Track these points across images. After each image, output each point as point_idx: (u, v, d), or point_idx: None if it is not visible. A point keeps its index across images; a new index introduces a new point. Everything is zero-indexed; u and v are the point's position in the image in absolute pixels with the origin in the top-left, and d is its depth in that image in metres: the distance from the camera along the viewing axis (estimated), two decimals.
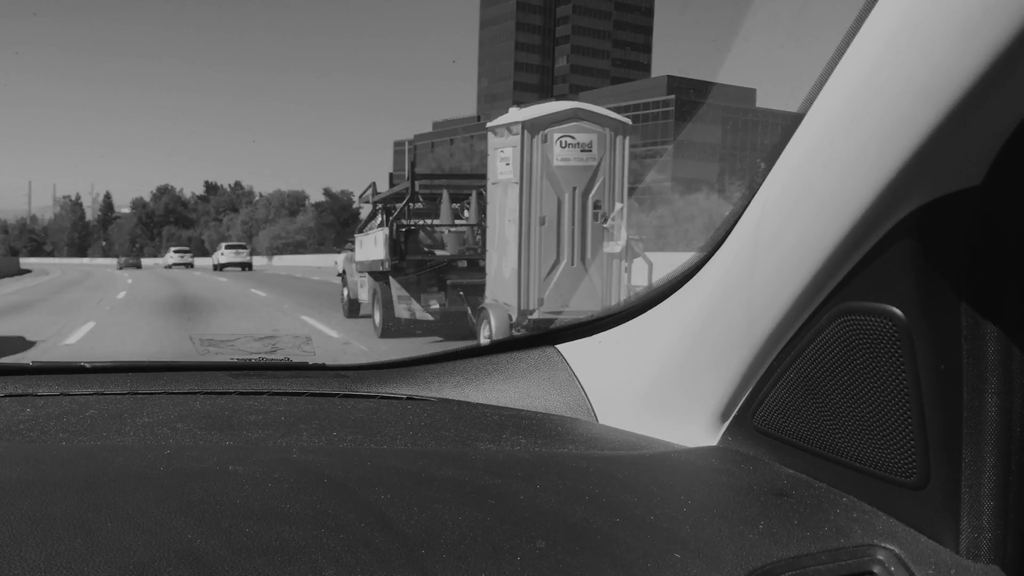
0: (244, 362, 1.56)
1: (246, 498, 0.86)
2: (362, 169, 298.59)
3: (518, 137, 10.08)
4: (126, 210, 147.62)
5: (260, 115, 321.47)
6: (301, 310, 18.74)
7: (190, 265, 66.78)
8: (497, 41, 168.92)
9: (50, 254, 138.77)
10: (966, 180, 0.76)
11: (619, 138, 10.34)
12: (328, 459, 1.00)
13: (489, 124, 11.07)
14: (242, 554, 0.75)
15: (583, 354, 1.38)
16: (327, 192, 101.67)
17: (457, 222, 13.58)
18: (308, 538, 0.78)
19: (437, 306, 12.93)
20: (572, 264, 10.18)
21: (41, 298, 24.85)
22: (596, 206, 10.15)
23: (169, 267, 65.32)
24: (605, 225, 10.03)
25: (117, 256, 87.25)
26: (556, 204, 10.12)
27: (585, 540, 0.82)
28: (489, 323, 10.50)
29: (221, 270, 53.04)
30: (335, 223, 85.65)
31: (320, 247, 79.43)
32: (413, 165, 14.39)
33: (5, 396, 1.32)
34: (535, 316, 10.12)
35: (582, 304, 10.00)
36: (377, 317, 13.90)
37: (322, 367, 1.56)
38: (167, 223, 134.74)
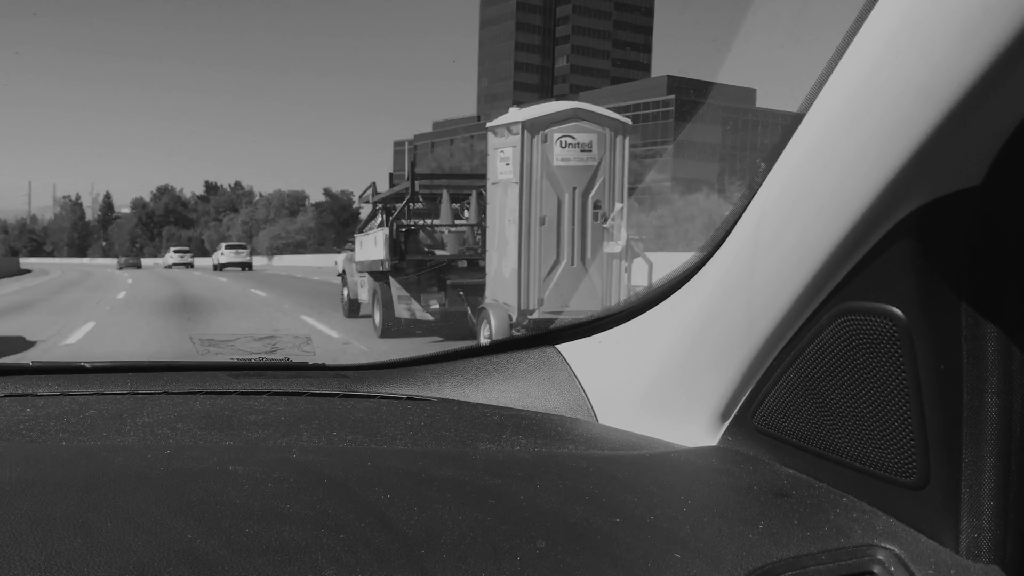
0: (244, 362, 1.56)
1: (246, 498, 0.86)
2: (362, 169, 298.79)
3: (518, 137, 10.08)
4: (126, 210, 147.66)
5: (260, 115, 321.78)
6: (301, 310, 18.68)
7: (190, 265, 66.82)
8: (497, 41, 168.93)
9: (50, 254, 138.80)
10: (966, 180, 0.76)
11: (619, 138, 10.34)
12: (328, 459, 1.00)
13: (489, 124, 11.07)
14: (242, 554, 0.75)
15: (583, 354, 1.38)
16: (327, 192, 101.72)
17: (457, 222, 13.58)
18: (308, 538, 0.78)
19: (437, 306, 12.93)
20: (572, 264, 10.18)
21: (41, 298, 24.80)
22: (596, 206, 10.15)
23: (169, 267, 65.35)
24: (605, 225, 10.03)
25: (117, 256, 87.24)
26: (556, 204, 10.12)
27: (585, 540, 0.82)
28: (489, 323, 10.51)
29: (221, 270, 53.07)
30: (335, 223, 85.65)
31: (320, 247, 79.42)
32: (413, 165, 14.39)
33: (5, 396, 1.32)
34: (535, 316, 10.12)
35: (582, 304, 10.00)
36: (377, 317, 13.90)
37: (322, 367, 1.56)
38: (167, 223, 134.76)
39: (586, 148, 10.13)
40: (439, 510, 0.85)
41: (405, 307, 13.17)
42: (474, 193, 13.33)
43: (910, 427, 0.84)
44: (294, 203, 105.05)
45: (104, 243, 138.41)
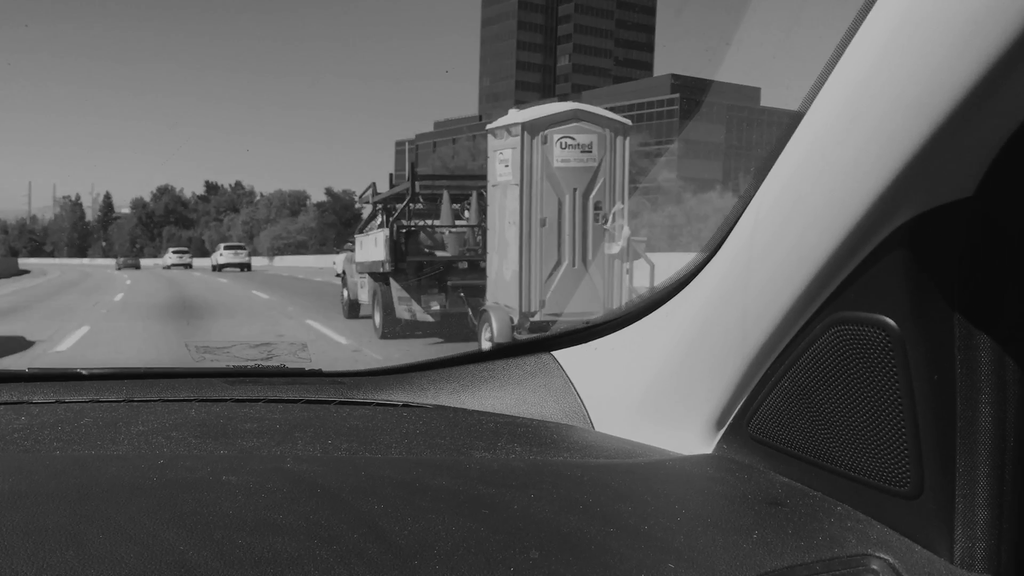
0: (240, 369, 1.56)
1: (239, 509, 0.86)
2: (363, 169, 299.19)
3: (517, 139, 10.08)
4: (126, 210, 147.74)
5: (261, 115, 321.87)
6: (306, 314, 18.37)
7: (189, 266, 66.84)
8: (499, 40, 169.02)
9: (50, 254, 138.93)
10: (959, 191, 0.76)
11: (619, 139, 10.34)
12: (322, 468, 1.00)
13: (489, 126, 11.07)
14: (234, 566, 0.75)
15: (579, 361, 1.38)
16: (329, 192, 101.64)
17: (458, 223, 13.58)
18: (301, 549, 0.78)
19: (438, 307, 12.92)
20: (573, 266, 10.18)
21: (36, 300, 24.61)
22: (597, 207, 10.15)
23: (168, 268, 65.37)
24: (606, 227, 10.03)
25: (117, 257, 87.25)
26: (556, 205, 10.12)
27: (579, 550, 0.82)
28: (491, 325, 10.50)
29: (220, 271, 53.09)
30: (337, 223, 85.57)
31: (322, 247, 79.36)
32: (414, 165, 14.41)
33: (0, 404, 1.32)
34: (537, 318, 10.12)
35: (584, 306, 10.00)
36: (377, 318, 13.90)
37: (318, 373, 1.56)
38: (167, 223, 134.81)
39: (586, 149, 10.13)
40: (433, 520, 0.85)
41: (405, 308, 13.16)
42: (474, 194, 13.33)
43: (904, 437, 0.84)
44: (295, 203, 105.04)
45: (104, 243, 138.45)
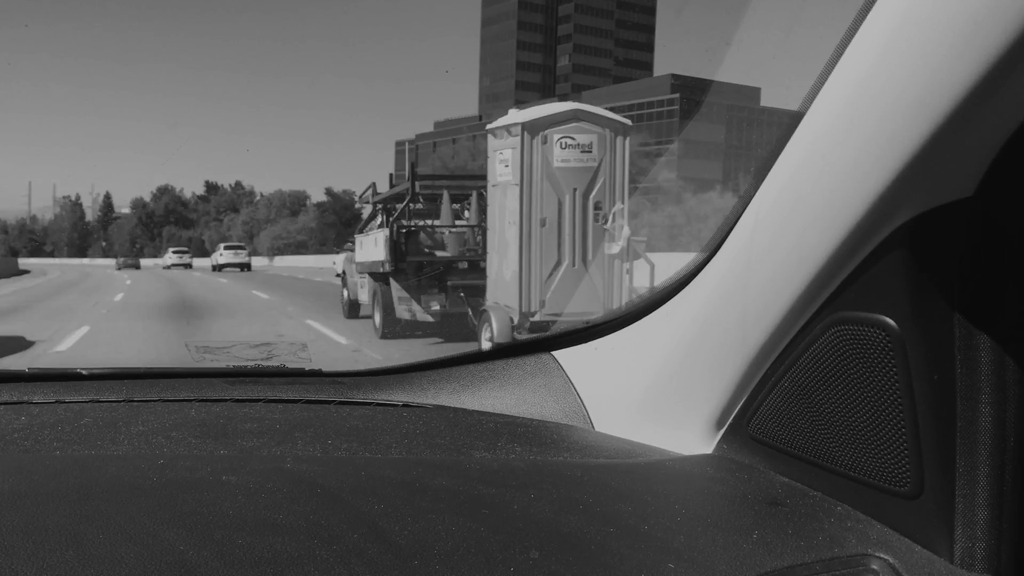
0: (240, 369, 1.56)
1: (239, 509, 0.86)
2: (364, 169, 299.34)
3: (517, 139, 10.08)
4: (126, 210, 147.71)
5: (260, 115, 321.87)
6: (306, 314, 18.30)
7: (188, 266, 66.89)
8: (499, 40, 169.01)
9: (50, 254, 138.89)
10: (959, 191, 0.76)
11: (619, 139, 10.33)
12: (322, 468, 1.00)
13: (489, 126, 11.07)
14: (234, 566, 0.75)
15: (579, 361, 1.38)
16: (329, 192, 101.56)
17: (458, 223, 13.58)
18: (301, 549, 0.78)
19: (438, 307, 12.91)
20: (573, 266, 10.18)
21: (37, 300, 24.54)
22: (597, 207, 10.15)
23: (168, 268, 65.40)
24: (606, 227, 10.03)
25: (117, 257, 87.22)
26: (556, 205, 10.12)
27: (579, 550, 0.81)
28: (491, 326, 10.50)
29: (220, 271, 53.10)
30: (337, 223, 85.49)
31: (322, 247, 79.29)
32: (414, 165, 14.40)
33: (0, 404, 1.32)
34: (537, 318, 10.11)
35: (584, 306, 10.00)
36: (377, 318, 13.89)
37: (318, 373, 1.56)
38: (167, 223, 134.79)
39: (586, 149, 10.12)
40: (433, 520, 0.85)
41: (406, 308, 13.16)
42: (474, 194, 13.33)
43: (904, 437, 0.84)
44: (295, 203, 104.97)
45: (104, 243, 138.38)
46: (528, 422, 1.30)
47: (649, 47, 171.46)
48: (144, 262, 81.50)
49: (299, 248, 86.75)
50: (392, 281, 13.28)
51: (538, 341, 1.46)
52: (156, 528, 0.80)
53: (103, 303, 22.86)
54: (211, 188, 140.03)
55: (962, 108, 0.69)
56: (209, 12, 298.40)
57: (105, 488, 0.91)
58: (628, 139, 10.52)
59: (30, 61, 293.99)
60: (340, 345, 13.01)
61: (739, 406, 1.08)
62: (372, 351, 12.26)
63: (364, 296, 15.15)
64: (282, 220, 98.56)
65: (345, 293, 17.05)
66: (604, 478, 1.01)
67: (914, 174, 0.76)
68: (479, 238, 12.95)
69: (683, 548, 0.83)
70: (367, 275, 14.63)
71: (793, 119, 0.90)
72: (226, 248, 58.60)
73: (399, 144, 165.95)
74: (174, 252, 72.32)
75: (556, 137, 10.08)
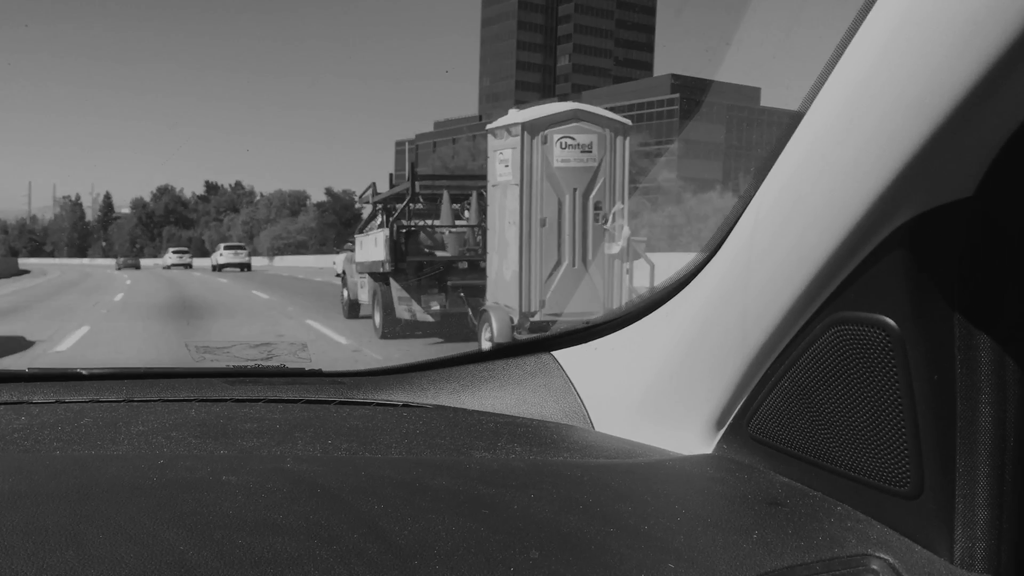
0: (240, 368, 1.56)
1: (239, 509, 0.86)
2: (364, 169, 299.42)
3: (517, 139, 10.07)
4: (126, 210, 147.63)
5: (261, 115, 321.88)
6: (306, 314, 18.21)
7: (188, 266, 66.91)
8: (499, 40, 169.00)
9: (50, 254, 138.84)
10: (959, 191, 0.76)
11: (619, 139, 10.33)
12: (322, 468, 1.00)
13: (488, 126, 11.06)
14: (234, 566, 0.75)
15: (579, 361, 1.38)
16: (329, 192, 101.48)
17: (458, 223, 13.57)
18: (301, 549, 0.78)
19: (438, 307, 12.91)
20: (574, 266, 10.17)
21: (37, 300, 24.43)
22: (597, 207, 10.15)
23: (168, 268, 65.42)
24: (606, 227, 10.02)
25: (116, 257, 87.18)
26: (556, 205, 10.12)
27: (579, 550, 0.81)
28: (491, 326, 10.49)
29: (220, 270, 53.12)
30: (337, 223, 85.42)
31: (322, 247, 79.21)
32: (414, 165, 14.39)
33: (0, 404, 1.32)
34: (537, 318, 10.11)
35: (584, 306, 9.99)
36: (377, 318, 13.89)
37: (318, 373, 1.56)
38: (167, 223, 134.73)
39: (586, 149, 10.12)
40: (433, 520, 0.85)
41: (406, 308, 13.15)
42: (474, 193, 13.32)
43: (904, 437, 0.84)
44: (295, 203, 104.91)
45: (104, 243, 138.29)
46: (528, 422, 1.30)
47: (649, 47, 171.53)
48: (144, 262, 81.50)
49: (299, 248, 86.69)
50: (392, 281, 13.27)
51: (538, 341, 1.46)
52: (156, 528, 0.80)
53: (103, 303, 22.76)
54: (211, 188, 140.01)
55: (962, 108, 0.69)
56: (209, 12, 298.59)
57: (105, 488, 0.91)
58: (628, 139, 10.52)
59: (30, 61, 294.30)
60: (340, 345, 12.94)
61: (739, 406, 1.08)
62: (372, 351, 12.21)
63: (364, 296, 15.14)
64: (282, 220, 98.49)
65: (345, 293, 17.03)
66: (604, 478, 1.01)
67: (914, 174, 0.76)
68: (479, 238, 12.94)
69: (683, 548, 0.83)
70: (367, 275, 14.62)
71: (793, 119, 0.90)
72: (226, 248, 58.62)
73: (399, 144, 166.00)
74: (174, 252, 72.33)
75: (556, 137, 10.07)
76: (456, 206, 13.75)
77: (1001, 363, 0.78)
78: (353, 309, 16.40)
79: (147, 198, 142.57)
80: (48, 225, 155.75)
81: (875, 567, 0.82)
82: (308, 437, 1.15)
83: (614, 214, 9.99)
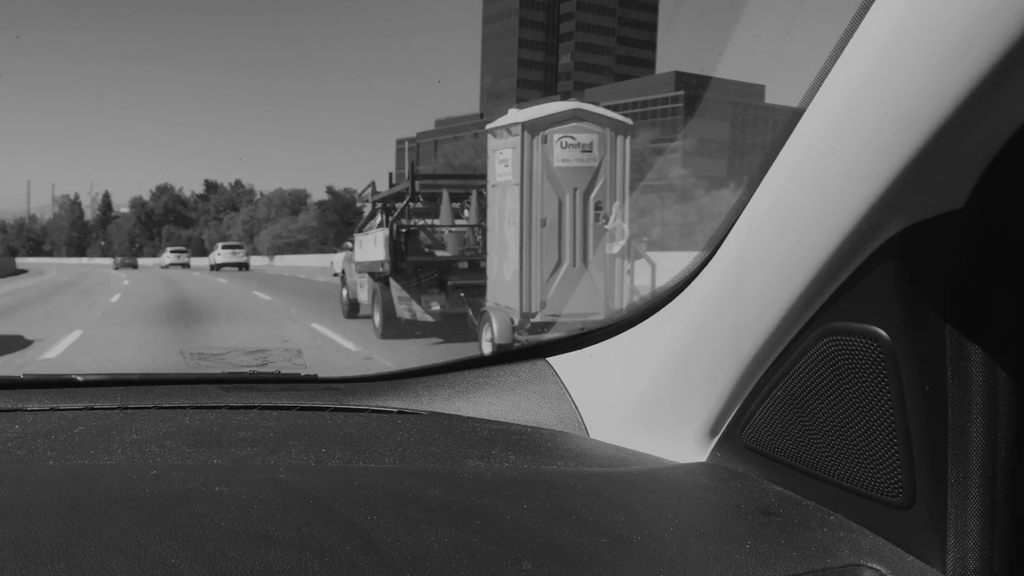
0: (235, 375, 1.55)
1: (231, 521, 0.85)
2: (364, 167, 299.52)
3: (517, 138, 10.05)
4: (125, 209, 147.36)
5: (261, 114, 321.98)
6: (310, 316, 17.50)
7: (186, 265, 66.74)
8: (500, 38, 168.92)
9: (49, 254, 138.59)
10: (949, 203, 0.76)
11: (620, 138, 10.31)
12: (315, 479, 1.00)
13: (488, 126, 11.04)
14: None
15: (574, 367, 1.38)
16: (330, 190, 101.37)
17: (457, 222, 13.55)
18: (292, 562, 0.78)
19: (438, 307, 12.88)
20: (574, 266, 10.16)
21: (32, 300, 24.03)
22: (597, 207, 10.13)
23: (166, 267, 65.35)
24: (606, 227, 10.01)
25: (115, 256, 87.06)
26: (557, 205, 10.10)
27: (571, 561, 0.81)
28: (491, 326, 10.47)
29: (218, 270, 53.04)
30: (338, 222, 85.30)
31: (323, 247, 79.10)
32: (414, 164, 14.35)
33: None
34: (537, 319, 10.09)
35: (585, 306, 9.98)
36: (377, 318, 13.87)
37: (313, 379, 1.56)
38: (167, 222, 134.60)
39: (587, 149, 10.10)
40: (425, 531, 0.85)
41: (405, 308, 13.12)
42: (474, 193, 13.30)
43: (896, 447, 0.84)
44: (296, 202, 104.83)
45: (103, 243, 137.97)
46: (523, 429, 1.30)
47: (651, 44, 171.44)
48: (142, 261, 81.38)
49: (300, 247, 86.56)
50: (392, 281, 13.25)
51: (533, 347, 1.46)
52: (148, 541, 0.80)
53: (99, 304, 22.22)
54: (211, 187, 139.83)
55: (954, 120, 0.69)
56: (209, 12, 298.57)
57: (97, 500, 0.90)
58: (629, 138, 10.50)
59: (30, 61, 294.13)
60: (350, 352, 12.39)
61: (732, 414, 1.08)
62: (383, 358, 11.65)
63: (364, 296, 15.11)
64: (282, 219, 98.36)
65: (344, 293, 16.95)
66: (598, 487, 1.01)
67: (906, 185, 0.76)
68: (479, 237, 12.92)
69: (676, 559, 0.83)
70: (367, 275, 14.59)
71: (786, 129, 0.90)
72: (224, 247, 58.51)
73: (400, 142, 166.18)
74: (172, 252, 72.21)
75: (556, 137, 10.06)
76: (456, 205, 13.73)
77: (993, 374, 0.78)
78: (353, 309, 16.34)
79: (146, 197, 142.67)
80: (47, 224, 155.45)
81: None
82: (302, 445, 1.15)
83: (613, 212, 9.98)
